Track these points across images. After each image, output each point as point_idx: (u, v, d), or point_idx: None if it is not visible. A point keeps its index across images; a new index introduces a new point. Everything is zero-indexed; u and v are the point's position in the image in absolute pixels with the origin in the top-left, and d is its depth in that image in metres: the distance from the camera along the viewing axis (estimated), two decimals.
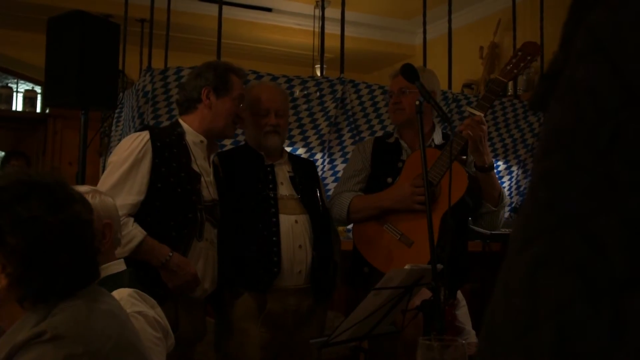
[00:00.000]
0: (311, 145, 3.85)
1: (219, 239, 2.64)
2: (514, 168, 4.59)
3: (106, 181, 2.41)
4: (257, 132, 2.77)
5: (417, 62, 3.91)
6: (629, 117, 0.39)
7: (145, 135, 2.48)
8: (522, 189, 4.68)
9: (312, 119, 3.84)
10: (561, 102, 0.43)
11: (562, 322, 0.38)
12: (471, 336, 3.02)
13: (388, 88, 3.07)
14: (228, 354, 2.69)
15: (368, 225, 2.81)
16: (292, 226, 2.67)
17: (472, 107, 2.73)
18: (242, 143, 3.40)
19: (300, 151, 3.81)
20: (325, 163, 3.93)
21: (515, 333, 0.40)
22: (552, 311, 0.39)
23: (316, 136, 3.85)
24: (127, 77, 5.11)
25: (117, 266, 1.91)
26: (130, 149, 2.44)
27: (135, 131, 3.36)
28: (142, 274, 2.32)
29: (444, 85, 3.77)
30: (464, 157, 2.75)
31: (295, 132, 3.81)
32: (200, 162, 2.56)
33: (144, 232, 2.36)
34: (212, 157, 2.67)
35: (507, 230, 3.65)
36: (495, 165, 2.85)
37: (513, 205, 4.54)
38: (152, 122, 3.36)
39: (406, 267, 1.95)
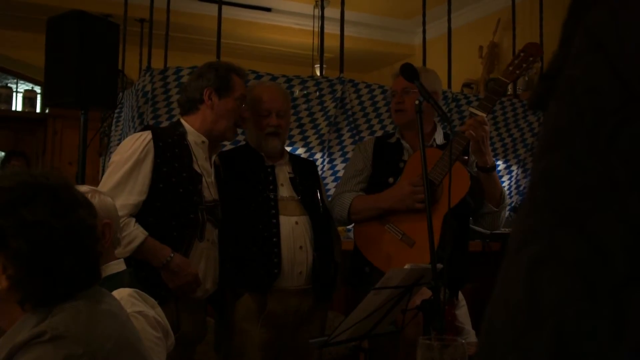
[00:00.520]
0: (311, 145, 3.85)
1: (219, 240, 2.64)
2: (514, 167, 4.59)
3: (108, 181, 2.41)
4: (258, 133, 2.77)
5: (417, 62, 3.91)
6: (628, 116, 0.39)
7: (147, 135, 2.48)
8: (521, 188, 4.68)
9: (311, 118, 3.84)
10: (560, 101, 0.43)
11: (561, 321, 0.38)
12: (471, 336, 3.01)
13: (390, 88, 3.07)
14: (228, 354, 2.68)
15: (369, 225, 2.81)
16: (293, 227, 2.67)
17: (474, 108, 2.73)
18: (242, 143, 3.40)
19: (300, 151, 3.81)
20: (325, 163, 3.93)
21: (515, 332, 0.40)
22: (551, 310, 0.39)
23: (316, 136, 3.85)
24: (127, 77, 5.10)
25: (117, 266, 1.91)
26: (132, 149, 2.44)
27: (136, 131, 3.36)
28: (144, 274, 2.32)
29: (443, 85, 3.76)
30: (466, 157, 2.75)
31: (295, 131, 3.81)
32: (202, 162, 2.56)
33: (146, 233, 2.36)
34: (213, 157, 2.66)
35: (507, 229, 3.64)
36: (494, 162, 2.86)
37: (513, 204, 4.54)
38: (151, 122, 3.36)
39: (406, 266, 1.95)
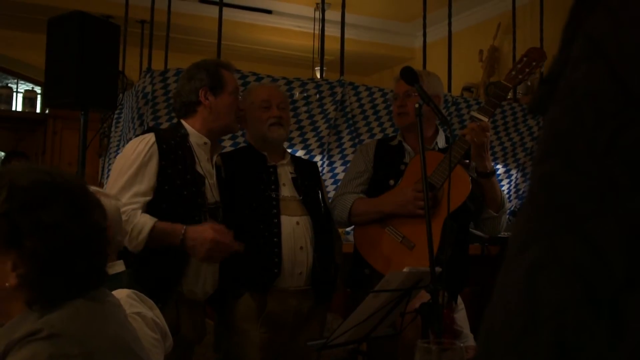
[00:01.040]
0: (310, 148, 3.85)
1: None
2: (513, 172, 4.59)
3: (114, 185, 2.40)
4: (260, 126, 2.76)
5: (417, 65, 3.91)
6: (627, 121, 0.39)
7: (151, 137, 2.47)
8: (521, 192, 4.68)
9: (311, 121, 3.84)
10: (560, 105, 0.43)
11: (560, 325, 0.38)
12: (469, 339, 3.02)
13: (392, 91, 3.07)
14: (228, 354, 2.68)
15: (369, 227, 2.81)
16: (294, 227, 2.67)
17: (476, 112, 2.72)
18: (242, 144, 3.40)
19: (300, 153, 3.81)
20: (325, 165, 3.93)
21: (514, 336, 0.40)
22: (550, 314, 0.39)
23: (315, 138, 3.86)
24: (127, 78, 5.10)
25: (116, 267, 1.91)
26: (136, 152, 2.43)
27: (136, 132, 3.36)
28: (146, 275, 2.33)
29: (443, 89, 3.77)
30: (467, 161, 2.75)
31: (295, 134, 3.81)
32: (204, 164, 2.56)
33: (154, 219, 2.34)
34: (214, 158, 2.66)
35: (506, 233, 3.65)
36: (494, 168, 2.86)
37: (512, 208, 4.54)
38: (151, 124, 3.36)
39: (405, 269, 1.95)
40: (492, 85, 5.95)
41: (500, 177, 4.47)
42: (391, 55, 7.73)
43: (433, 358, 1.35)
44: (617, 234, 0.38)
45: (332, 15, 4.85)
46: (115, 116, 4.32)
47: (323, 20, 4.27)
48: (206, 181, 2.53)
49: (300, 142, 3.83)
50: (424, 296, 2.10)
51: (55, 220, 1.28)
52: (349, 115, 3.94)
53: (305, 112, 3.82)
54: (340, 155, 3.96)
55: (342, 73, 4.06)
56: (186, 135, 2.56)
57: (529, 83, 5.45)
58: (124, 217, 2.22)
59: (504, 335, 0.41)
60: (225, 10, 4.01)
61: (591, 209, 0.39)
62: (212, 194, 2.56)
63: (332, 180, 3.93)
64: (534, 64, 2.73)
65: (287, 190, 2.74)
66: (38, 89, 7.50)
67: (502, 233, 3.00)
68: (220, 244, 2.39)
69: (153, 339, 1.73)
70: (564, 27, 0.47)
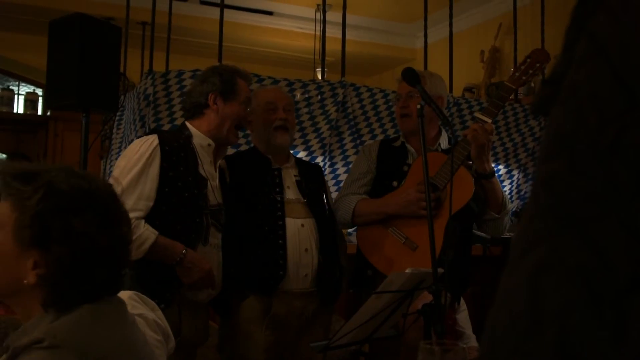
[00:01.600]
0: (312, 149, 3.85)
1: (225, 241, 2.65)
2: (515, 172, 4.59)
3: (117, 186, 2.39)
4: (266, 129, 2.76)
5: (418, 66, 3.91)
6: (630, 122, 0.39)
7: (153, 139, 2.47)
8: (522, 193, 4.67)
9: (313, 122, 3.84)
10: (563, 106, 0.43)
11: (564, 327, 0.38)
12: (471, 340, 3.01)
13: (394, 91, 3.06)
14: (232, 356, 2.68)
15: (372, 228, 2.81)
16: (299, 230, 2.67)
17: (480, 113, 2.72)
18: (243, 147, 3.40)
19: (301, 154, 3.81)
20: (326, 167, 3.93)
21: (517, 338, 0.40)
22: (554, 316, 0.39)
23: (317, 139, 3.86)
24: (129, 79, 5.11)
25: None
26: (139, 153, 2.43)
27: (137, 134, 3.36)
28: (149, 276, 2.32)
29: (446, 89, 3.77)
30: (471, 162, 2.75)
31: (296, 135, 3.81)
32: (207, 166, 2.55)
33: (156, 232, 2.35)
34: (218, 162, 2.66)
35: (508, 234, 3.65)
36: (496, 169, 2.86)
37: (514, 209, 4.53)
38: (153, 125, 3.37)
39: (407, 270, 1.95)
40: (493, 85, 5.95)
41: (501, 178, 4.47)
42: (392, 56, 7.74)
43: (435, 359, 1.34)
44: (621, 236, 0.38)
45: (333, 16, 4.86)
46: (117, 118, 4.33)
47: (324, 21, 4.28)
48: (208, 183, 2.53)
49: (302, 143, 3.83)
50: (426, 297, 2.10)
51: (85, 229, 1.28)
52: (351, 116, 3.94)
53: (307, 113, 3.82)
54: (341, 157, 3.96)
55: (343, 74, 4.06)
56: (190, 137, 2.56)
57: (533, 84, 5.45)
58: None
59: (508, 337, 0.41)
60: (226, 11, 4.01)
61: (594, 211, 0.39)
62: (214, 196, 2.55)
63: (334, 181, 3.93)
64: (537, 65, 2.73)
65: (291, 193, 2.75)
66: (39, 91, 7.51)
67: (505, 234, 3.00)
68: (212, 276, 2.45)
69: (155, 341, 1.73)
70: (567, 29, 0.47)
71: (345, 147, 3.96)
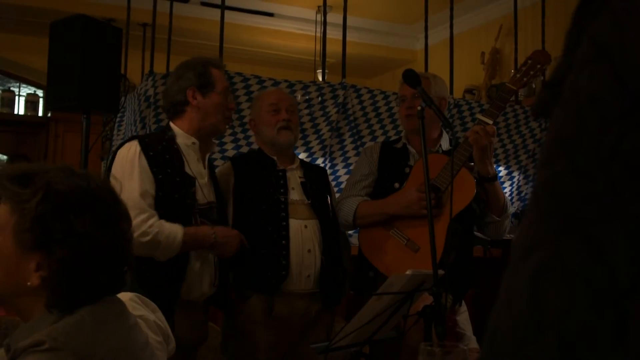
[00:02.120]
0: (312, 150, 3.85)
1: None
2: (515, 174, 4.58)
3: (129, 195, 2.34)
4: (269, 130, 2.77)
5: (419, 68, 3.91)
6: (631, 125, 0.39)
7: (135, 145, 2.45)
8: (523, 194, 4.67)
9: (313, 123, 3.84)
10: (564, 109, 0.43)
11: (565, 330, 0.38)
12: (472, 342, 3.01)
13: (395, 93, 3.07)
14: (235, 355, 2.69)
15: (374, 229, 2.81)
16: (302, 231, 2.68)
17: (481, 115, 2.73)
18: (243, 143, 3.40)
19: (302, 156, 3.81)
20: (327, 168, 3.93)
21: (518, 340, 0.40)
22: (555, 318, 0.39)
23: (317, 141, 3.86)
24: (129, 81, 5.12)
25: None
26: (128, 157, 2.43)
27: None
28: (145, 278, 2.32)
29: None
30: (472, 163, 2.75)
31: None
32: (194, 165, 2.54)
33: (179, 225, 2.37)
34: (207, 157, 2.64)
35: (509, 236, 3.65)
36: (496, 170, 2.86)
37: (515, 211, 4.53)
38: (154, 127, 3.37)
39: (407, 272, 1.95)
40: (493, 87, 5.95)
41: (502, 180, 4.47)
42: (393, 58, 7.73)
43: None
44: (622, 239, 0.38)
45: (334, 17, 4.86)
46: (118, 119, 4.33)
47: (325, 22, 4.28)
48: (196, 182, 2.52)
49: (303, 145, 3.83)
50: (427, 299, 2.10)
51: (86, 229, 1.28)
52: (351, 118, 3.94)
53: (307, 114, 3.82)
54: (342, 158, 3.96)
55: (344, 75, 4.07)
56: (173, 137, 2.54)
57: (533, 86, 5.45)
58: (154, 229, 2.32)
59: (509, 339, 0.41)
60: (227, 13, 4.02)
61: (595, 213, 0.39)
62: (203, 194, 2.54)
63: (335, 182, 3.93)
64: (538, 66, 2.73)
65: (295, 194, 2.75)
66: (40, 93, 7.51)
67: (506, 236, 3.00)
68: (242, 238, 2.54)
69: (156, 342, 1.73)
70: (568, 31, 0.47)
71: (346, 149, 3.96)
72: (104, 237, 1.31)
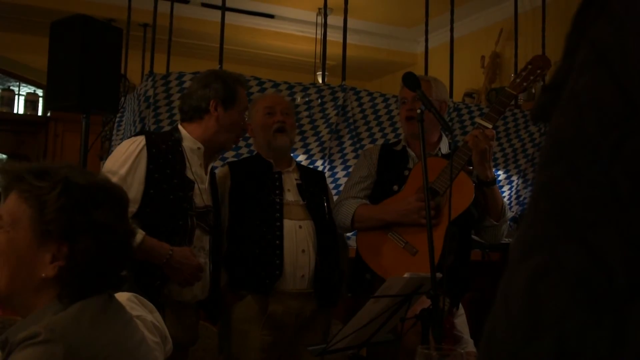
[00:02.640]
0: (312, 152, 3.85)
1: (228, 242, 2.69)
2: (514, 178, 4.58)
3: None
4: (265, 133, 2.80)
5: (419, 71, 3.92)
6: (630, 130, 0.39)
7: (141, 140, 2.47)
8: (522, 198, 4.67)
9: (313, 125, 3.84)
10: (564, 113, 0.43)
11: (562, 333, 0.38)
12: (469, 345, 3.01)
13: (395, 96, 3.07)
14: (230, 356, 2.70)
15: (372, 232, 2.81)
16: (296, 231, 2.69)
17: (481, 119, 2.74)
18: (244, 149, 3.41)
19: (301, 158, 3.81)
20: (326, 170, 3.93)
21: (516, 344, 0.40)
22: (552, 322, 0.39)
23: (317, 143, 3.86)
24: (129, 81, 5.12)
25: None
26: (126, 155, 2.43)
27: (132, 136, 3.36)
28: (134, 277, 2.32)
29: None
30: (471, 167, 2.75)
31: (296, 139, 3.80)
32: (196, 169, 2.55)
33: (143, 232, 2.34)
34: (210, 165, 2.65)
35: (507, 239, 3.66)
36: (495, 174, 2.86)
37: (513, 215, 4.53)
38: (153, 127, 3.37)
39: (405, 275, 1.94)
40: (493, 91, 5.95)
41: (501, 184, 4.47)
42: (393, 61, 7.74)
43: None
44: (619, 243, 0.38)
45: (334, 20, 4.86)
46: (117, 119, 4.33)
47: (325, 25, 4.28)
48: (196, 186, 2.52)
49: (302, 147, 3.83)
50: (424, 302, 2.10)
51: (106, 220, 1.34)
52: (351, 120, 3.94)
53: (307, 116, 3.82)
54: (341, 160, 3.96)
55: (343, 78, 4.07)
56: (179, 139, 2.56)
57: (533, 90, 5.46)
58: None
59: (506, 343, 0.41)
60: (227, 14, 4.02)
61: (593, 217, 0.39)
62: (202, 198, 2.54)
63: (334, 185, 3.93)
64: (538, 71, 2.74)
65: (291, 196, 2.77)
66: (40, 92, 7.50)
67: (504, 239, 3.00)
68: (201, 270, 2.44)
69: (153, 343, 1.73)
70: (567, 35, 0.47)
71: (345, 151, 3.96)
72: (120, 229, 1.37)
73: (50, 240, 1.31)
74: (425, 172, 2.15)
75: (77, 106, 3.28)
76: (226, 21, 3.95)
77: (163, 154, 2.48)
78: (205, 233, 2.57)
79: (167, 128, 3.34)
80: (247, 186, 2.76)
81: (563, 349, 0.38)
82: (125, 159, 2.42)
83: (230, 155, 3.51)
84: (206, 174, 2.62)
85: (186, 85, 3.37)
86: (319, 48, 5.13)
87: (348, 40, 4.25)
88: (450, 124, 4.09)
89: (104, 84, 3.29)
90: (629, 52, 0.40)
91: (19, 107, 7.54)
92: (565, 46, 0.47)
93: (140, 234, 2.33)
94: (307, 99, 3.82)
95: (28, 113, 7.46)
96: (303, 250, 2.68)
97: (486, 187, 2.73)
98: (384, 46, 7.68)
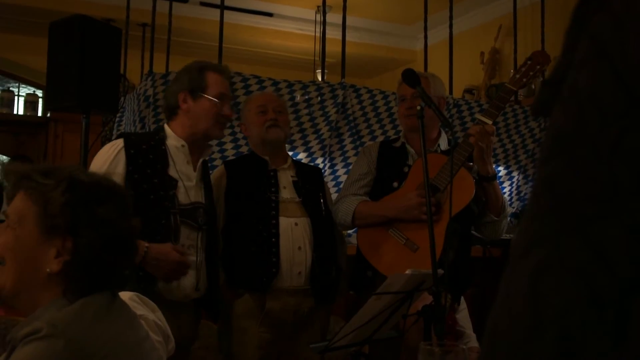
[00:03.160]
0: (312, 150, 3.86)
1: (224, 240, 2.69)
2: (515, 173, 4.59)
3: None
4: (258, 130, 2.80)
5: (418, 68, 3.92)
6: (631, 123, 0.39)
7: (119, 143, 2.48)
8: (522, 194, 4.67)
9: (313, 123, 3.84)
10: (564, 108, 0.43)
11: (565, 327, 0.38)
12: (472, 340, 3.01)
13: (394, 93, 3.07)
14: (230, 354, 2.70)
15: (373, 229, 2.81)
16: (292, 228, 2.70)
17: (481, 115, 2.74)
18: (243, 144, 3.41)
19: (301, 156, 3.81)
20: (326, 168, 3.93)
21: (519, 338, 0.40)
22: (555, 316, 0.39)
23: (317, 141, 3.86)
24: (129, 81, 5.11)
25: None
26: (104, 159, 2.44)
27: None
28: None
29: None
30: (471, 163, 2.76)
31: (297, 136, 3.81)
32: (181, 166, 2.53)
33: None
34: (200, 160, 2.61)
35: (508, 235, 3.66)
36: (495, 170, 2.86)
37: (514, 210, 4.54)
38: (153, 126, 3.37)
39: (407, 272, 1.95)
40: (493, 87, 5.95)
41: (501, 179, 4.47)
42: (392, 58, 7.73)
43: None
44: (621, 237, 0.38)
45: (333, 17, 4.86)
46: (117, 119, 4.33)
47: (324, 22, 4.28)
48: (180, 183, 2.50)
49: (302, 145, 3.84)
50: (426, 298, 2.10)
51: (109, 216, 1.37)
52: (351, 118, 3.94)
53: (307, 114, 3.82)
54: (341, 158, 3.96)
55: (343, 75, 4.07)
56: (163, 138, 2.55)
57: (533, 86, 5.46)
58: None
59: (508, 338, 0.41)
60: (226, 13, 4.02)
61: (595, 211, 0.40)
62: (187, 195, 2.51)
63: (334, 182, 3.93)
64: (538, 67, 2.74)
65: (287, 193, 2.77)
66: (39, 93, 7.50)
67: (504, 235, 3.00)
68: (182, 265, 2.38)
69: (156, 342, 1.73)
70: (567, 30, 0.47)
71: (345, 149, 3.97)
72: (124, 226, 1.40)
73: (55, 235, 1.34)
74: (426, 168, 2.15)
75: (77, 106, 3.28)
76: (225, 20, 3.95)
77: (143, 154, 2.47)
78: (195, 230, 2.53)
79: None
80: (243, 184, 2.76)
81: (565, 343, 0.38)
82: (102, 163, 2.43)
83: (229, 147, 3.52)
84: (195, 170, 2.59)
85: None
86: (318, 46, 5.12)
87: (347, 38, 4.25)
88: (450, 120, 4.09)
89: (103, 84, 3.29)
90: (629, 46, 0.40)
91: (19, 108, 7.54)
92: (565, 41, 0.47)
93: None
94: (306, 97, 3.82)
95: (28, 114, 7.46)
96: (299, 248, 2.68)
97: (487, 182, 2.73)
98: (383, 43, 7.67)
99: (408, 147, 2.93)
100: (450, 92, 4.50)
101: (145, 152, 2.48)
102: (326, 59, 4.29)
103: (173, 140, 2.55)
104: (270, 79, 3.75)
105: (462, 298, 3.02)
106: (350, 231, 3.47)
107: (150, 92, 3.43)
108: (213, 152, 3.43)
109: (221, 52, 3.84)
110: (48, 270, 1.33)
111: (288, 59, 7.79)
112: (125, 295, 1.75)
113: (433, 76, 3.01)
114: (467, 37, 6.53)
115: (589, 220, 0.40)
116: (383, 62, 7.88)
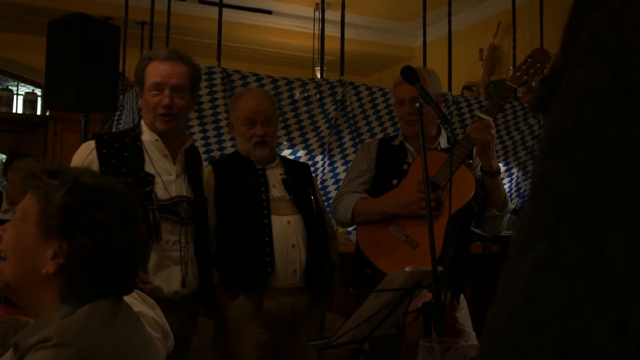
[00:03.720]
0: (311, 148, 3.85)
1: (217, 242, 2.67)
2: (514, 170, 4.59)
3: None
4: (245, 143, 2.77)
5: (417, 64, 3.91)
6: (630, 119, 0.39)
7: (91, 144, 2.48)
8: (522, 191, 4.68)
9: (312, 121, 3.84)
10: (562, 104, 0.43)
11: (564, 325, 0.38)
12: (472, 338, 3.01)
13: (394, 95, 3.03)
14: (227, 354, 2.69)
15: (372, 226, 2.81)
16: (285, 227, 2.69)
17: (480, 112, 2.74)
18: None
19: (301, 153, 3.82)
20: (326, 165, 3.93)
21: (518, 336, 0.40)
22: (554, 314, 0.39)
23: (316, 138, 3.86)
24: (128, 79, 5.10)
25: None
26: (77, 161, 2.45)
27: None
28: None
29: (444, 88, 3.77)
30: (471, 160, 2.76)
31: (296, 134, 3.81)
32: (157, 161, 2.51)
33: None
34: (180, 151, 2.57)
35: (507, 232, 3.66)
36: (498, 165, 2.87)
37: (514, 207, 4.54)
38: None
39: (407, 269, 1.95)
40: (492, 84, 5.95)
41: (501, 176, 4.47)
42: (391, 55, 7.73)
43: (436, 357, 1.34)
44: (621, 234, 0.38)
45: (332, 15, 4.85)
46: (116, 117, 4.33)
47: (323, 20, 4.27)
48: (158, 179, 2.47)
49: (301, 142, 3.84)
50: (426, 295, 2.10)
51: (108, 221, 1.35)
52: (350, 115, 3.94)
53: (306, 112, 3.82)
54: (341, 155, 3.96)
55: (342, 73, 4.07)
56: (139, 134, 2.54)
57: (533, 83, 5.45)
58: None
59: (508, 335, 0.41)
60: (225, 11, 4.01)
61: (594, 208, 0.39)
62: (166, 190, 2.48)
63: (334, 180, 3.93)
64: (538, 65, 2.74)
65: (277, 191, 2.75)
66: (38, 91, 7.50)
67: (504, 232, 3.01)
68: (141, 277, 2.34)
69: (155, 339, 1.73)
70: (565, 26, 0.47)
71: (345, 146, 3.97)
72: (124, 233, 1.38)
73: (53, 237, 1.34)
74: (425, 165, 2.15)
75: (76, 105, 3.28)
76: (224, 18, 3.94)
77: (116, 152, 2.46)
78: (180, 224, 2.49)
79: None
80: (232, 185, 2.74)
81: (565, 341, 0.38)
82: (76, 165, 2.42)
83: (228, 145, 3.51)
84: (175, 162, 2.55)
85: None
86: (317, 43, 5.12)
87: (346, 35, 4.25)
88: (449, 117, 4.09)
89: (102, 82, 3.29)
90: (627, 42, 0.40)
91: (18, 107, 7.53)
92: (563, 37, 0.47)
93: None
94: (305, 95, 3.82)
95: (27, 112, 7.46)
96: (293, 245, 2.67)
97: (490, 177, 2.73)
98: (382, 40, 7.67)
99: (407, 145, 2.93)
100: (449, 89, 4.50)
101: (119, 150, 2.47)
102: (325, 57, 4.28)
103: (147, 135, 2.54)
104: (269, 76, 3.75)
105: (462, 296, 3.02)
106: (350, 229, 3.47)
107: None
108: (207, 150, 3.43)
109: (220, 50, 3.84)
110: (44, 271, 1.33)
111: (287, 57, 7.78)
112: None
113: (429, 73, 2.98)
114: (466, 34, 6.53)
115: (588, 216, 0.39)
116: (382, 59, 7.88)
